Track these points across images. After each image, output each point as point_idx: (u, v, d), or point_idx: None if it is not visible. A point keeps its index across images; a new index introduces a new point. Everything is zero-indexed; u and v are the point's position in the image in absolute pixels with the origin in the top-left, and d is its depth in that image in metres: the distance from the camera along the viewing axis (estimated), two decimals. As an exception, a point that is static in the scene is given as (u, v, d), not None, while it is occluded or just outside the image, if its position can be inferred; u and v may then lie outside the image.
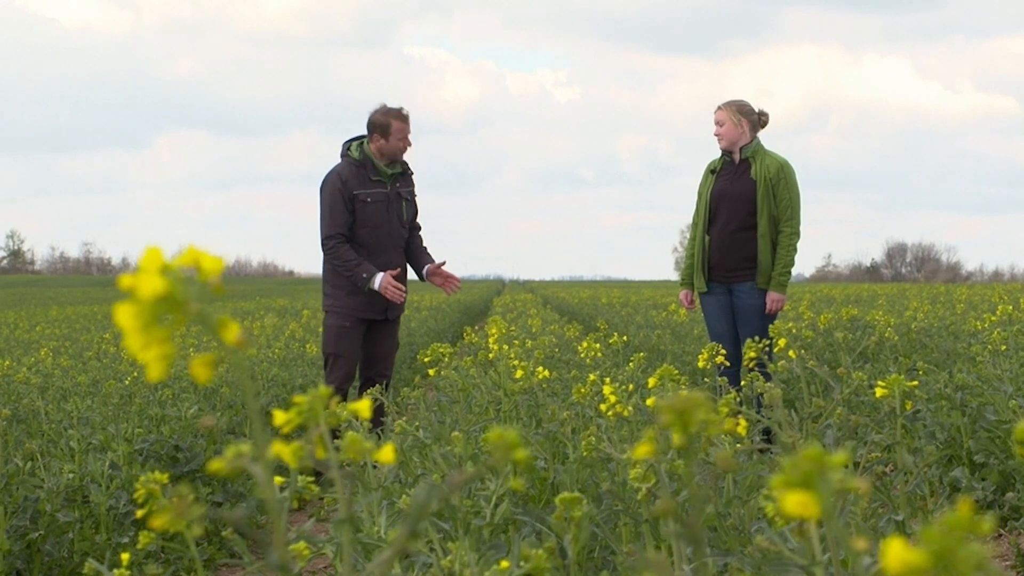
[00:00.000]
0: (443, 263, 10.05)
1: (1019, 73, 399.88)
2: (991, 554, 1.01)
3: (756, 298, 9.79)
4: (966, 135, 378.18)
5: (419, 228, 10.16)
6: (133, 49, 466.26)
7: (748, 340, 5.60)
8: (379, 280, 9.50)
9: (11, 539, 5.98)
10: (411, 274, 10.01)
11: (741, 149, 9.89)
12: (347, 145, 9.83)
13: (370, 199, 9.64)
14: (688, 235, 10.35)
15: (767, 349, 5.64)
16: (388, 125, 9.66)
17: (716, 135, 9.91)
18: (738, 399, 4.22)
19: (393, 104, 9.75)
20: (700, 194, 10.10)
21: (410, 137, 9.78)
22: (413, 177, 10.04)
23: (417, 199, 10.10)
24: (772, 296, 9.85)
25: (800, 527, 2.29)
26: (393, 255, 9.75)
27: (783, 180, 9.83)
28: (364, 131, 9.75)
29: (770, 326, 6.15)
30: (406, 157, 9.80)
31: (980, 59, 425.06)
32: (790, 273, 9.92)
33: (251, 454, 1.36)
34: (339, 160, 9.84)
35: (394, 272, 9.58)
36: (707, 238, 9.92)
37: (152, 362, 1.20)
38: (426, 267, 10.02)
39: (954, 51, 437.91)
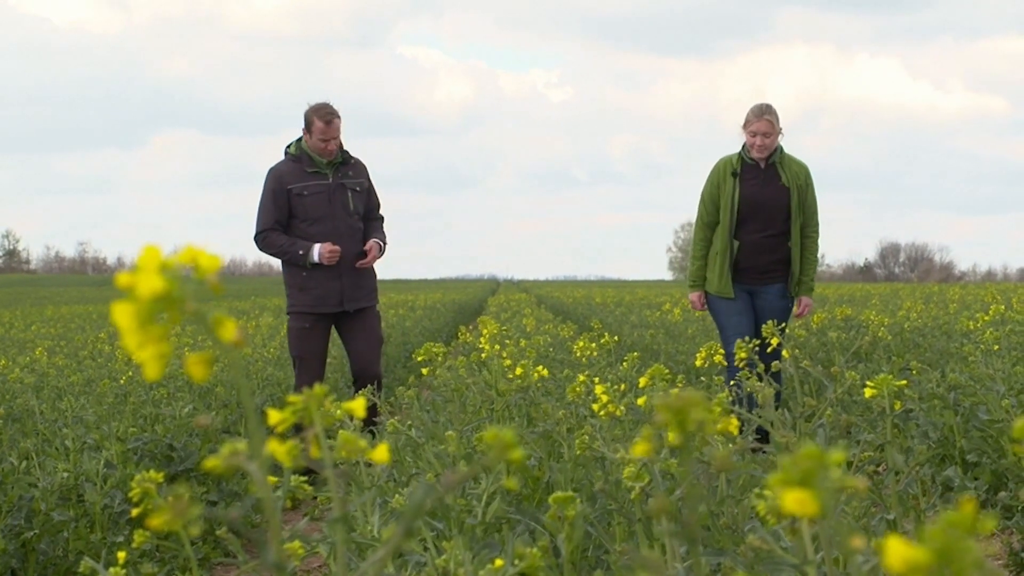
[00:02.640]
0: (368, 248, 9.71)
1: (1009, 73, 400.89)
2: (986, 553, 1.01)
3: (785, 300, 9.78)
4: (957, 135, 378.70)
5: (378, 218, 9.96)
6: (126, 48, 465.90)
7: (739, 341, 5.57)
8: (316, 251, 9.37)
9: (6, 538, 5.98)
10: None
11: (770, 154, 9.72)
12: (288, 146, 9.72)
13: (306, 192, 9.50)
14: (695, 236, 10.06)
15: (762, 348, 5.62)
16: (311, 123, 9.52)
17: (760, 145, 9.62)
18: (730, 398, 4.23)
19: (330, 106, 9.58)
20: (718, 196, 9.81)
21: (336, 140, 9.55)
22: (366, 168, 9.85)
23: (376, 190, 9.91)
24: (806, 301, 9.88)
25: (792, 526, 2.30)
26: (346, 247, 9.56)
27: (811, 186, 9.82)
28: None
29: (763, 326, 6.13)
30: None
31: (970, 59, 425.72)
32: (815, 274, 9.93)
33: (247, 452, 1.36)
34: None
35: (333, 247, 9.38)
36: (735, 243, 9.73)
37: (148, 361, 1.19)
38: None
39: (944, 51, 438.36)
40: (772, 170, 9.72)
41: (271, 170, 9.64)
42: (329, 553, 3.20)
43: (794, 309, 9.98)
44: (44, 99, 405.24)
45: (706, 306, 9.96)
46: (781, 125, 9.70)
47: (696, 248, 10.04)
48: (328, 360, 10.49)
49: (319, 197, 9.52)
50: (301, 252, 9.40)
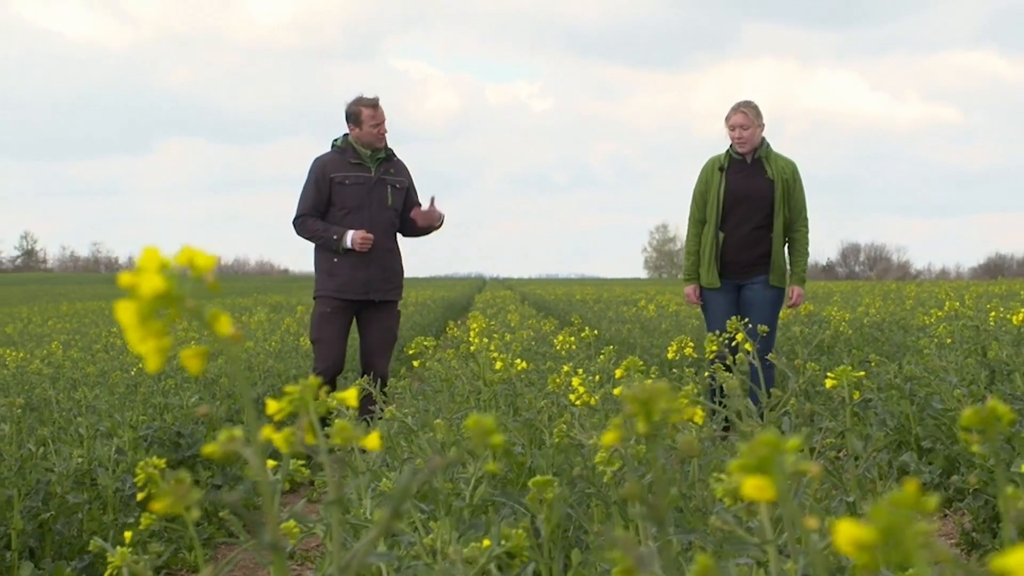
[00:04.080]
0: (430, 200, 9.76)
1: (960, 85, 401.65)
2: (936, 532, 1.02)
3: (769, 292, 9.62)
4: (913, 143, 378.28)
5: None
6: (134, 61, 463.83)
7: (710, 335, 5.55)
8: (350, 236, 9.31)
9: (25, 519, 5.98)
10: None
11: (755, 149, 9.61)
12: (335, 140, 9.66)
13: (348, 181, 9.43)
14: (688, 232, 9.92)
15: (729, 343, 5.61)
16: (359, 113, 9.47)
17: (739, 139, 9.52)
18: (697, 389, 4.23)
19: (368, 95, 9.53)
20: (707, 191, 9.70)
21: (386, 124, 9.54)
22: (407, 168, 9.78)
23: (416, 190, 9.82)
24: (797, 290, 9.74)
25: (749, 508, 2.30)
26: (378, 238, 9.46)
27: (798, 182, 9.66)
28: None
29: (728, 321, 6.08)
30: (395, 147, 9.56)
31: (924, 72, 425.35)
32: (807, 267, 9.83)
33: (243, 438, 1.37)
34: None
35: (366, 234, 9.33)
36: (720, 235, 9.61)
37: (149, 354, 1.20)
38: (411, 214, 9.72)
39: (900, 65, 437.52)
40: (758, 164, 9.60)
41: (316, 159, 9.60)
42: (326, 533, 3.20)
43: (786, 299, 9.84)
44: (58, 109, 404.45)
45: (700, 299, 9.82)
46: (763, 121, 9.56)
47: (689, 244, 9.89)
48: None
49: (359, 188, 9.45)
50: (335, 237, 9.33)
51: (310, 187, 9.50)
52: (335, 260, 9.43)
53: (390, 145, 9.59)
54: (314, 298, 9.65)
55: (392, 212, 9.60)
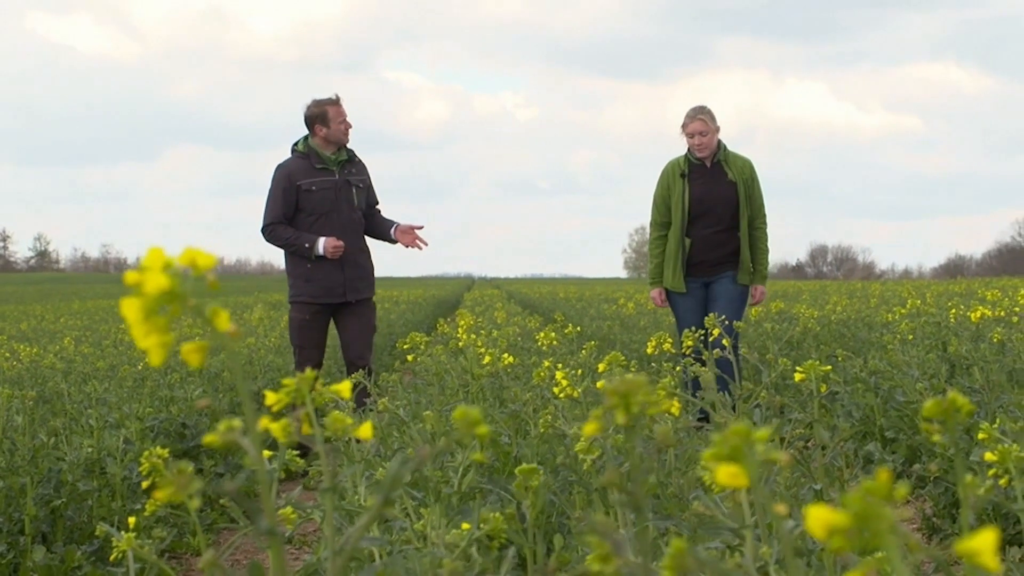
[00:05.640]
0: (420, 227, 9.50)
1: (922, 95, 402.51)
2: (901, 518, 1.01)
3: (735, 287, 9.38)
4: (877, 150, 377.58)
5: (378, 212, 9.58)
6: (142, 73, 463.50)
7: (687, 331, 5.51)
8: (321, 244, 9.01)
9: (37, 506, 5.96)
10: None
11: (714, 153, 9.37)
12: (295, 144, 9.33)
13: (315, 187, 9.11)
14: (650, 236, 9.68)
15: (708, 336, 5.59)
16: (325, 113, 9.16)
17: (698, 144, 9.28)
18: (673, 383, 4.23)
19: (322, 96, 9.26)
20: (669, 197, 9.46)
21: (348, 119, 9.26)
22: (366, 166, 9.48)
23: (374, 187, 9.55)
24: (760, 289, 9.49)
25: (732, 495, 2.30)
26: (348, 240, 9.18)
27: (755, 180, 9.44)
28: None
29: (706, 318, 6.03)
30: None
31: (888, 83, 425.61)
32: (768, 263, 9.58)
33: (241, 428, 1.36)
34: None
35: (337, 242, 9.05)
36: (687, 240, 9.35)
37: (153, 349, 1.19)
38: (393, 227, 9.47)
39: (865, 76, 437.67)
40: (718, 168, 9.36)
41: (280, 166, 9.27)
42: (323, 519, 3.19)
43: (749, 298, 9.65)
44: (71, 118, 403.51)
45: (666, 302, 9.63)
46: (719, 124, 9.36)
47: (652, 247, 9.63)
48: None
49: (326, 193, 9.15)
50: (307, 245, 9.01)
51: (277, 195, 9.16)
52: (309, 266, 9.15)
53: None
54: (290, 303, 9.35)
55: (359, 213, 9.35)
